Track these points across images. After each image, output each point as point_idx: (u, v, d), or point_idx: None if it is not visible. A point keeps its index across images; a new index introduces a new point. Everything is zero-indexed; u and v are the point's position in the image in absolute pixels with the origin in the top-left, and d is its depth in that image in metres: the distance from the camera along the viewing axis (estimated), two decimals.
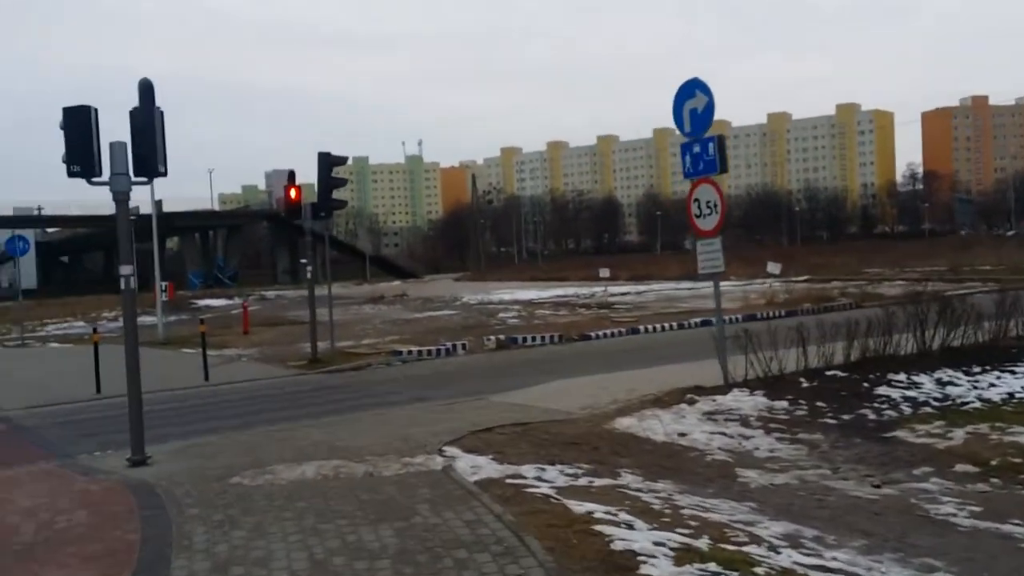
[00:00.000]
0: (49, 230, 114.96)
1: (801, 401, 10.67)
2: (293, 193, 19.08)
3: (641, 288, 49.28)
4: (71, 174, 9.20)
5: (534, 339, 21.46)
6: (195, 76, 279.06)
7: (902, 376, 11.66)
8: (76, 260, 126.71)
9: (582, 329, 23.54)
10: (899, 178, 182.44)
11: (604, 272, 39.98)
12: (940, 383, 11.40)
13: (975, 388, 11.16)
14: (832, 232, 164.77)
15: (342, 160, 19.27)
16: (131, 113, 9.45)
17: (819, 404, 10.51)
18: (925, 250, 74.59)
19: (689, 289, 48.20)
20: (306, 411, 13.17)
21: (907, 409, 10.28)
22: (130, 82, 9.52)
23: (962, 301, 13.10)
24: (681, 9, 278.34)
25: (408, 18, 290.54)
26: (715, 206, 11.40)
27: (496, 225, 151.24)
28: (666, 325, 23.15)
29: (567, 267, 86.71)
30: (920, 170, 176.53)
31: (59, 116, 9.18)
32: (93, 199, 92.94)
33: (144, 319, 38.78)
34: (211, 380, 17.53)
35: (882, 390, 11.09)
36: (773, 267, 31.45)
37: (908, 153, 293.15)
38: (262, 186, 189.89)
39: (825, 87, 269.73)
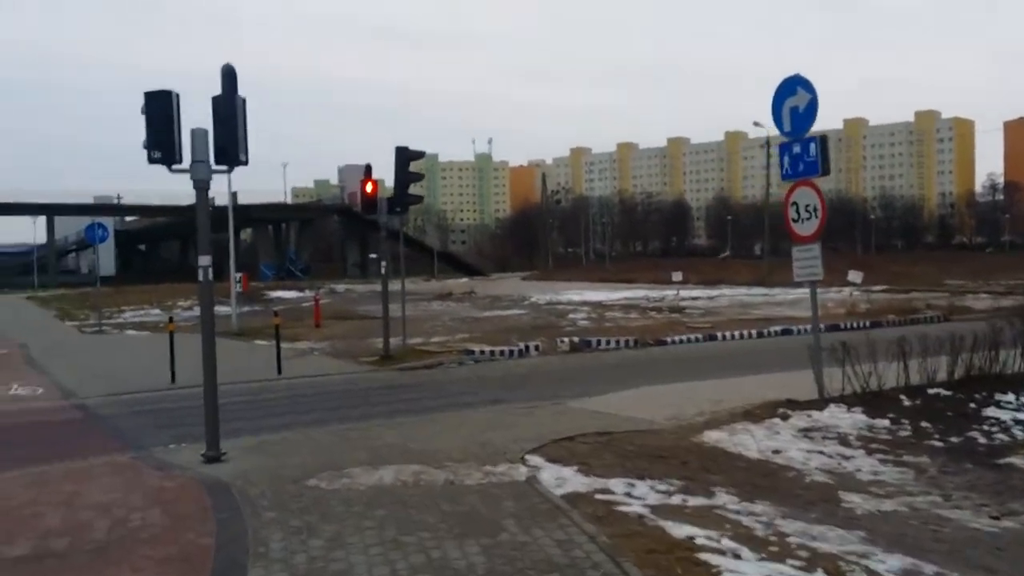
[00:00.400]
0: (128, 219, 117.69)
1: (904, 420, 10.02)
2: (369, 187, 18.85)
3: (713, 293, 48.41)
4: (151, 160, 9.00)
5: (608, 342, 20.94)
6: (268, 69, 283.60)
7: (1011, 397, 10.92)
8: (153, 248, 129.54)
9: (656, 334, 22.95)
10: (979, 188, 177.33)
11: (676, 275, 39.27)
12: None
13: None
14: (908, 241, 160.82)
15: (419, 155, 19.00)
16: (213, 100, 9.22)
17: (923, 424, 9.85)
18: (1008, 262, 72.07)
19: (763, 295, 47.23)
20: (379, 409, 12.89)
21: (1020, 434, 9.58)
22: (212, 75, 9.32)
23: None
24: (755, 12, 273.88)
25: (482, 15, 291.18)
26: (815, 210, 10.79)
27: (564, 225, 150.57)
28: (744, 333, 22.44)
29: (635, 269, 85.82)
30: (1001, 180, 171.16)
31: (141, 103, 9.01)
32: (171, 189, 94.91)
33: (219, 309, 39.14)
34: (284, 373, 17.40)
35: (991, 411, 10.37)
36: (854, 275, 30.40)
37: (989, 163, 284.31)
38: (334, 181, 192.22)
39: (904, 93, 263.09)
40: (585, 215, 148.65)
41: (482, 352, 19.43)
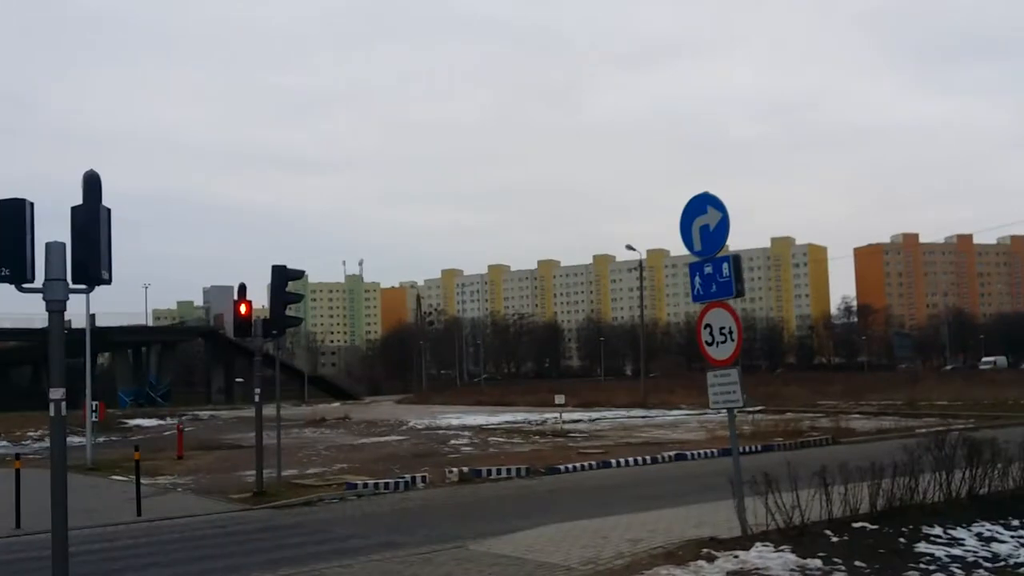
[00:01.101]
0: None
1: (836, 560, 9.30)
2: (243, 308, 17.56)
3: (593, 415, 48.03)
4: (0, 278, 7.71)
5: (499, 471, 19.86)
6: (126, 186, 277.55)
7: (938, 530, 10.39)
8: (3, 374, 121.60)
9: (547, 461, 22.04)
10: (833, 311, 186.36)
11: (559, 398, 38.73)
12: (982, 539, 10.15)
13: (1023, 545, 9.94)
14: (771, 362, 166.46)
15: (298, 274, 17.90)
16: (73, 210, 8.06)
17: (857, 564, 9.16)
18: (872, 383, 74.73)
19: (643, 417, 47.12)
20: (254, 559, 11.40)
21: (959, 572, 8.99)
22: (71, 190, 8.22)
23: (991, 444, 12.02)
24: (618, 142, 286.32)
25: (345, 139, 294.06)
26: (731, 333, 10.25)
27: (436, 347, 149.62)
28: (638, 459, 21.73)
29: (512, 391, 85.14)
30: (854, 303, 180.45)
31: None
32: (21, 311, 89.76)
33: (72, 439, 36.28)
34: (144, 514, 15.60)
35: (922, 547, 9.79)
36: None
37: (841, 287, 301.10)
38: (198, 302, 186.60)
39: (760, 221, 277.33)
40: (458, 336, 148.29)
41: (365, 485, 18.03)
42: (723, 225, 10.31)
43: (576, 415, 47.03)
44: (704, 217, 10.48)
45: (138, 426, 53.03)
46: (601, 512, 13.34)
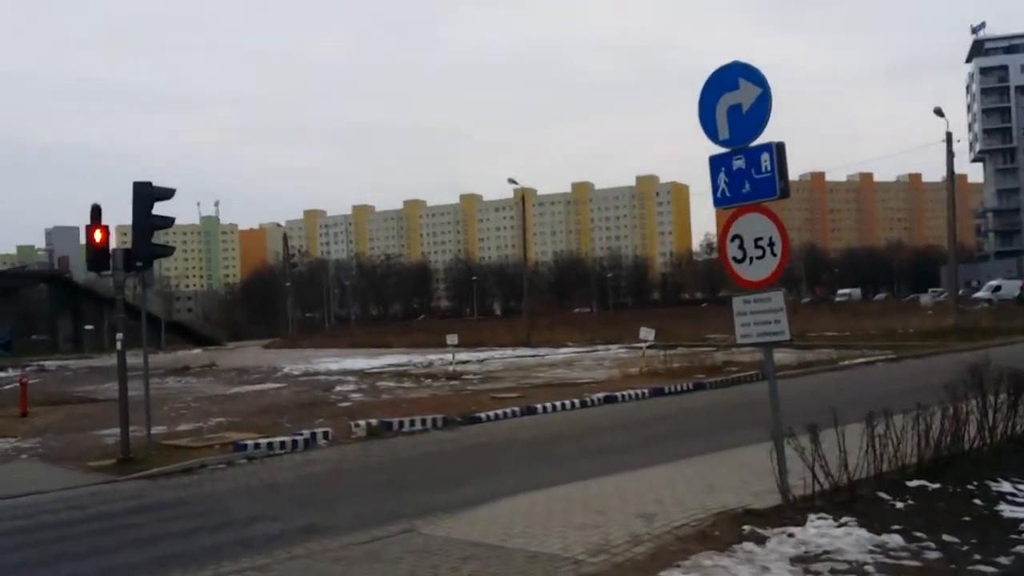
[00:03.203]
0: None
1: (918, 535, 7.17)
2: (98, 235, 14.10)
3: (480, 355, 45.73)
4: None
5: (412, 423, 17.17)
6: None
7: (1007, 486, 8.45)
8: None
9: (458, 408, 19.49)
10: (696, 247, 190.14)
11: (452, 338, 36.14)
12: None
13: None
14: (638, 299, 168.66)
15: (168, 193, 14.49)
16: None
17: (948, 540, 7.04)
18: None
19: (532, 356, 45.13)
20: (131, 558, 8.45)
21: None
22: None
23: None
24: (478, 80, 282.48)
25: (199, 76, 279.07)
26: (771, 244, 7.86)
27: (300, 290, 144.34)
28: (565, 403, 19.40)
29: (385, 334, 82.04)
30: (716, 240, 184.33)
31: None
32: None
33: None
34: None
35: (1007, 510, 7.79)
36: (646, 332, 28.56)
37: (705, 224, 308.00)
38: (41, 246, 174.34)
39: (627, 161, 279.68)
40: (324, 278, 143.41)
41: (256, 445, 15.03)
42: (762, 105, 7.85)
43: (462, 355, 44.58)
44: (734, 95, 7.99)
45: None
46: (566, 473, 10.90)
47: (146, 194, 14.24)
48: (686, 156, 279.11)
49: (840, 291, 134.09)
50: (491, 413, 18.18)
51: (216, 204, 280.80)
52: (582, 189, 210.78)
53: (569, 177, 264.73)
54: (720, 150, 8.21)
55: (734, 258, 8.20)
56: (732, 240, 8.19)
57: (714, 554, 7.03)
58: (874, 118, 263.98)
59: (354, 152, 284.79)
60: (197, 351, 72.66)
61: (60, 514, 10.84)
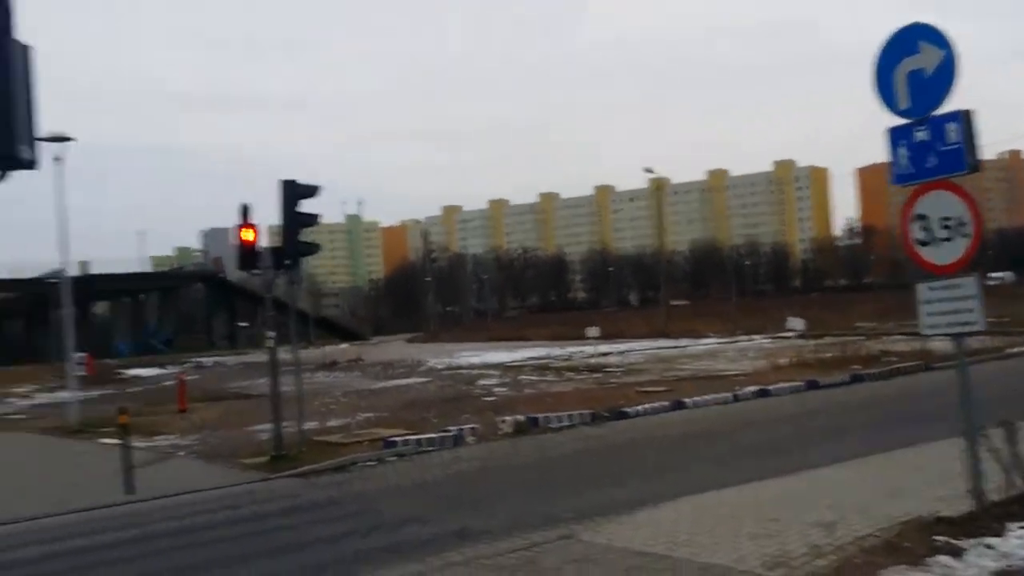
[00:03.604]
0: None
1: None
2: (248, 234, 14.27)
3: (620, 347, 45.04)
4: None
5: (560, 420, 16.78)
6: (129, 140, 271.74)
7: None
8: None
9: (604, 402, 18.98)
10: (837, 232, 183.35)
11: (592, 331, 35.65)
12: None
13: None
14: (777, 287, 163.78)
15: (312, 190, 14.56)
16: None
17: None
18: (903, 303, 71.59)
19: (674, 347, 44.17)
20: (285, 565, 8.32)
21: None
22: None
23: None
24: (616, 68, 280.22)
25: (339, 79, 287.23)
26: (960, 224, 7.05)
27: (439, 284, 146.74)
28: (716, 397, 18.60)
29: (524, 326, 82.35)
30: (858, 225, 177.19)
31: None
32: (13, 261, 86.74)
33: (61, 394, 33.32)
34: (136, 492, 12.57)
35: None
36: (795, 322, 27.33)
37: (845, 209, 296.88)
38: (197, 247, 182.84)
39: (765, 144, 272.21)
40: (463, 273, 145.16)
41: (405, 442, 14.95)
42: (946, 69, 7.00)
43: (602, 347, 44.00)
44: (915, 59, 7.17)
45: (136, 376, 50.15)
46: (728, 474, 10.26)
47: (292, 192, 14.32)
48: (825, 139, 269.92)
49: (992, 274, 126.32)
50: (639, 408, 17.59)
51: (359, 203, 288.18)
52: (717, 176, 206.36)
53: (703, 165, 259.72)
54: (899, 121, 7.39)
55: (918, 240, 7.38)
56: (915, 221, 7.37)
57: (906, 568, 6.31)
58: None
59: (489, 148, 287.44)
60: (344, 346, 74.69)
61: (216, 514, 10.93)
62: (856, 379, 21.00)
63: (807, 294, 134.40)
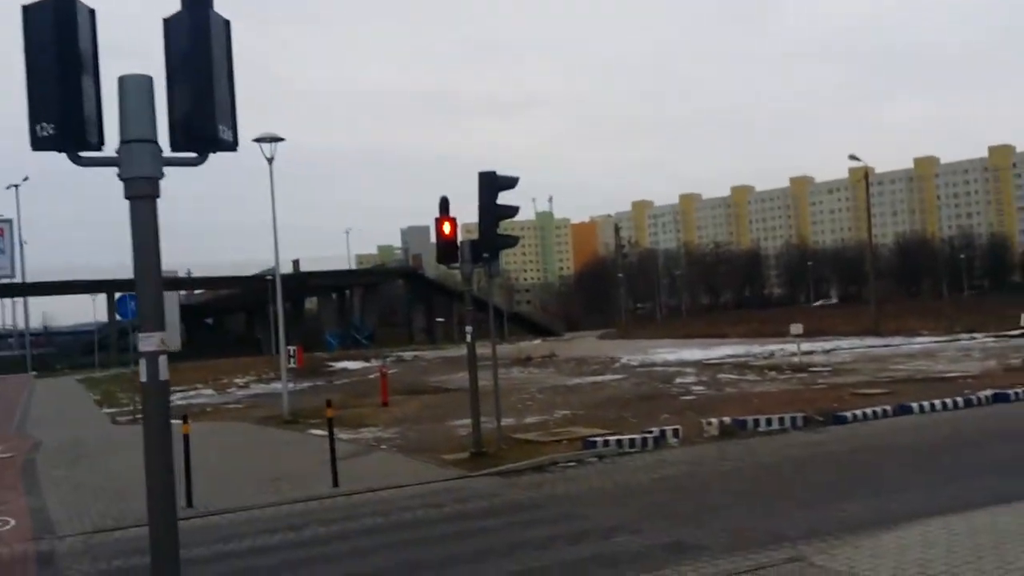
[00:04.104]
0: (196, 292, 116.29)
1: None
2: (447, 227, 14.12)
3: (826, 346, 42.83)
4: (37, 143, 4.36)
5: (768, 422, 15.76)
6: (333, 140, 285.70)
7: None
8: (220, 321, 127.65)
9: (815, 405, 17.74)
10: None
11: (796, 328, 33.84)
12: None
13: None
14: (994, 281, 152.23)
15: (512, 182, 14.25)
16: (166, 24, 4.59)
17: None
18: None
19: (884, 346, 41.53)
20: (491, 570, 7.93)
21: None
22: None
23: None
24: (811, 56, 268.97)
25: (529, 79, 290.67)
26: None
27: (630, 280, 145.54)
28: (945, 402, 16.97)
29: (719, 323, 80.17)
30: None
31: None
32: (238, 260, 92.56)
33: (275, 386, 35.04)
34: (342, 485, 12.63)
35: None
36: None
37: None
38: (398, 245, 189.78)
39: (973, 130, 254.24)
40: (654, 268, 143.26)
41: (606, 442, 14.39)
42: None
43: (806, 346, 41.94)
44: None
45: (344, 369, 52.11)
46: (976, 493, 9.07)
47: (491, 183, 14.05)
48: None
49: None
50: (857, 412, 16.26)
51: (550, 199, 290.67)
52: (926, 164, 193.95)
53: (909, 153, 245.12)
54: None
55: None
56: None
57: None
58: None
59: (679, 142, 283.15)
60: (537, 341, 75.22)
61: (417, 512, 10.74)
62: None
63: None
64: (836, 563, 6.88)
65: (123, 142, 4.44)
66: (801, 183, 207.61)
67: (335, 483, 12.73)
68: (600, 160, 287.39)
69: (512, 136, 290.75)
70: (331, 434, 13.27)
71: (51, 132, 4.30)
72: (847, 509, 8.93)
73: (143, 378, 4.48)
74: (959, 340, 42.04)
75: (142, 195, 4.47)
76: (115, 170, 4.51)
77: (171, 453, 4.68)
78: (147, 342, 4.39)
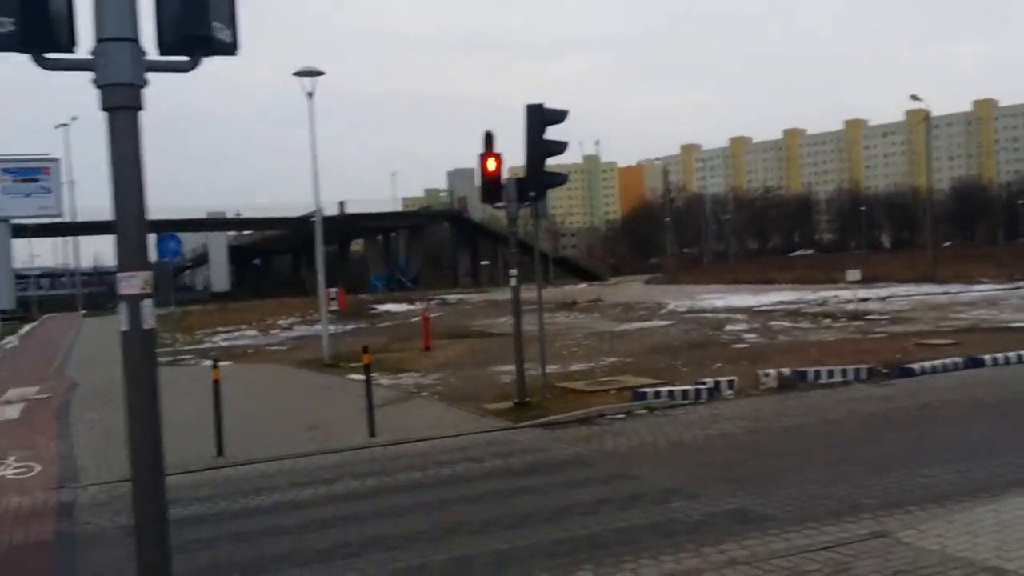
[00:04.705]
0: (245, 233, 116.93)
1: None
2: (491, 164, 13.25)
3: (882, 293, 41.44)
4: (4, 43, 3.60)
5: (830, 374, 14.85)
6: (380, 86, 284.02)
7: None
8: (267, 263, 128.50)
9: (877, 356, 16.74)
10: None
11: (853, 274, 32.51)
12: None
13: None
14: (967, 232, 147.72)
15: (561, 115, 13.29)
16: None
17: None
18: None
19: (943, 294, 40.09)
20: (530, 540, 7.21)
21: None
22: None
23: None
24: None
25: (584, 23, 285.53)
26: None
27: (677, 225, 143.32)
28: (1022, 355, 15.87)
29: (768, 268, 78.51)
30: None
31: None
32: (285, 202, 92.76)
33: (312, 330, 34.65)
34: (378, 435, 12.04)
35: None
36: None
37: None
38: (444, 189, 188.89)
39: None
40: (701, 213, 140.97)
41: (656, 394, 13.61)
42: None
43: (860, 292, 40.63)
44: None
45: (387, 312, 51.75)
46: None
47: (539, 117, 13.12)
48: None
49: None
50: (926, 365, 15.27)
51: (597, 143, 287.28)
52: (985, 106, 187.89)
53: (967, 96, 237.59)
54: None
55: None
56: None
57: None
58: None
59: (731, 85, 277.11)
60: (583, 286, 74.33)
61: (456, 467, 10.08)
62: None
63: None
64: (926, 541, 6.06)
65: (99, 41, 3.67)
66: (855, 126, 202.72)
67: (372, 433, 12.15)
68: (648, 104, 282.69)
69: (557, 82, 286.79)
70: (368, 382, 12.63)
71: (11, 28, 3.54)
72: (928, 475, 8.08)
73: (123, 326, 3.76)
74: (1020, 288, 40.45)
75: (121, 106, 3.71)
76: (94, 83, 3.75)
77: (157, 414, 3.99)
78: (128, 283, 3.66)
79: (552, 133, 13.29)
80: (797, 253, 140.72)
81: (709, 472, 8.92)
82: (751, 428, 11.27)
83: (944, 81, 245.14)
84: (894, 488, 7.69)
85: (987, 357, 15.54)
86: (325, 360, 22.37)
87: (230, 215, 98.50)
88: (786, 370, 14.82)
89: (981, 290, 41.45)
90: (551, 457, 10.29)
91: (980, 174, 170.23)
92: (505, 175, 13.75)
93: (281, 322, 44.90)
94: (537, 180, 13.15)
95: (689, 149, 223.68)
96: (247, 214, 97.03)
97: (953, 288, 43.21)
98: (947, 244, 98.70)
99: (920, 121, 63.13)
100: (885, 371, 15.14)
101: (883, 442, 9.85)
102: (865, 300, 35.52)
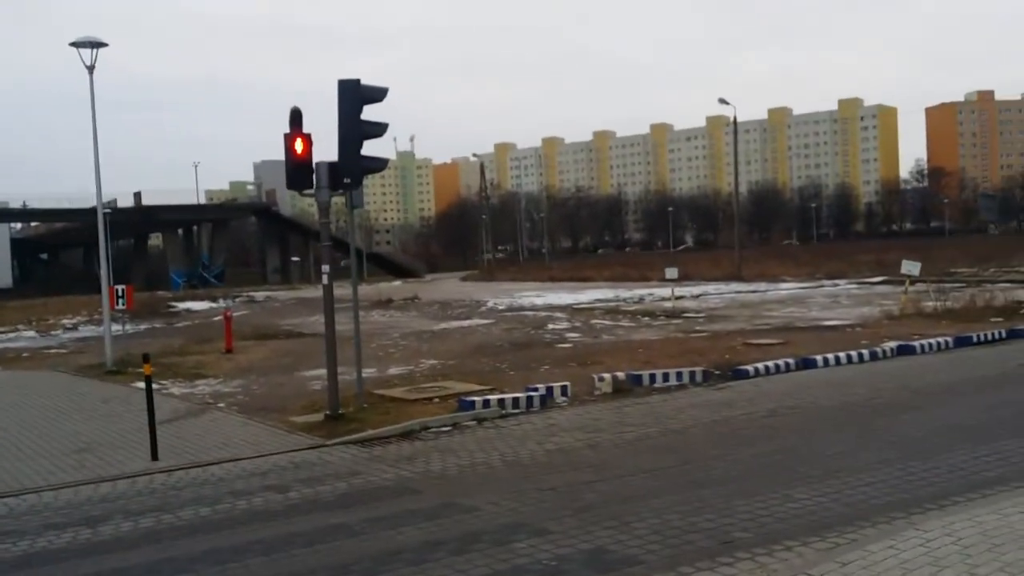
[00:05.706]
0: (32, 225, 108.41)
1: None
2: (299, 145, 11.58)
3: (694, 291, 42.10)
4: None
5: (665, 377, 14.08)
6: (186, 74, 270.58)
7: None
8: (55, 257, 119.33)
9: (708, 357, 16.21)
10: (904, 174, 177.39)
11: (671, 272, 32.57)
12: None
13: None
14: (840, 230, 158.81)
15: (380, 93, 11.79)
16: None
17: None
18: (998, 247, 67.50)
19: (752, 292, 41.10)
20: None
21: None
22: None
23: None
24: (671, 5, 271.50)
25: (398, 15, 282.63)
26: None
27: (492, 223, 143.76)
28: (851, 355, 15.63)
29: (583, 267, 79.44)
30: (927, 166, 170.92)
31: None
32: (72, 191, 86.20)
33: (97, 332, 31.24)
34: (162, 458, 10.19)
35: None
36: (910, 266, 23.98)
37: (912, 149, 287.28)
38: (251, 181, 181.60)
39: (825, 82, 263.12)
40: (517, 212, 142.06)
41: (485, 403, 12.35)
42: None
43: (677, 291, 41.15)
44: None
45: (188, 310, 48.40)
46: (949, 471, 7.47)
47: (355, 94, 11.57)
48: (894, 78, 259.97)
49: None
50: (759, 366, 14.77)
51: (411, 139, 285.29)
52: (779, 115, 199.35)
53: (764, 104, 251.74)
54: None
55: None
56: None
57: None
58: None
59: (543, 86, 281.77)
60: (398, 283, 72.69)
61: (254, 499, 8.43)
62: (1015, 334, 17.70)
63: (876, 238, 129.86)
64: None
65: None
66: (661, 130, 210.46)
67: (154, 456, 10.28)
68: (463, 101, 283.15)
69: (371, 75, 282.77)
70: (149, 395, 10.71)
71: None
72: (798, 498, 7.17)
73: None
74: (823, 286, 42.10)
75: None
76: None
77: None
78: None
79: (369, 114, 11.82)
80: (602, 251, 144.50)
81: (554, 499, 7.69)
82: (592, 441, 10.17)
83: (743, 90, 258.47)
84: (765, 516, 6.72)
85: (819, 358, 15.21)
86: (108, 366, 19.86)
87: (14, 205, 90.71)
88: (620, 374, 13.91)
89: (787, 288, 42.83)
90: (369, 483, 8.80)
91: (775, 178, 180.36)
92: (316, 159, 12.13)
93: (65, 322, 40.94)
94: (354, 165, 11.56)
95: (504, 148, 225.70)
96: (34, 204, 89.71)
97: (761, 286, 44.51)
98: (742, 247, 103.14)
99: (720, 127, 65.25)
100: (718, 373, 14.54)
101: (738, 457, 8.94)
102: (680, 298, 35.82)
